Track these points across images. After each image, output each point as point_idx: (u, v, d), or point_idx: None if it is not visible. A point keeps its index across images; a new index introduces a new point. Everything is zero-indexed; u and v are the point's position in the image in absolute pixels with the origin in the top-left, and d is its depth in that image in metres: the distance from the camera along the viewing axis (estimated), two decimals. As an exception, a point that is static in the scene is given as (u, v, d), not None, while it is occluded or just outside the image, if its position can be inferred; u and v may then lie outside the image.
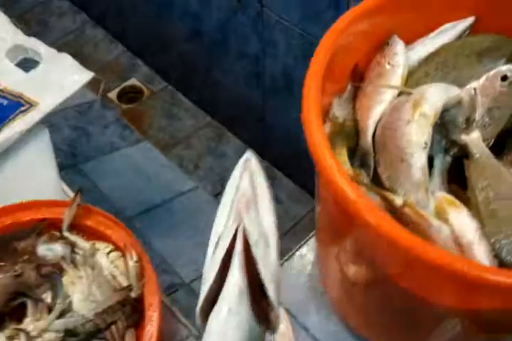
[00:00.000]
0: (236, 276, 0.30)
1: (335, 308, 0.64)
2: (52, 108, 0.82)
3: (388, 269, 0.43)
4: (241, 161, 0.33)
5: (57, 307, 0.58)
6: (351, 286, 0.54)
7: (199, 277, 0.56)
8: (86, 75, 0.86)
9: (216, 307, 0.31)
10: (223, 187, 0.32)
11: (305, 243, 0.70)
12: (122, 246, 0.66)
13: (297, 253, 0.70)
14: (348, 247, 0.48)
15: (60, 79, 0.85)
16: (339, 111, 0.55)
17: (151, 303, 0.62)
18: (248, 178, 0.32)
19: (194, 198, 1.32)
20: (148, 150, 1.44)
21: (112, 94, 1.69)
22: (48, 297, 0.61)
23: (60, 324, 0.57)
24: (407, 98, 0.51)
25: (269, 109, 1.37)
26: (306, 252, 0.70)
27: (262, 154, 1.52)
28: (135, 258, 0.64)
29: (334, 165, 0.39)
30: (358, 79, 0.57)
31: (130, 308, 0.61)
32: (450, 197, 0.47)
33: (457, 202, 0.46)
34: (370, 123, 0.53)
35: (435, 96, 0.49)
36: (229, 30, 1.27)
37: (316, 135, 0.41)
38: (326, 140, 0.41)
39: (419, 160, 0.47)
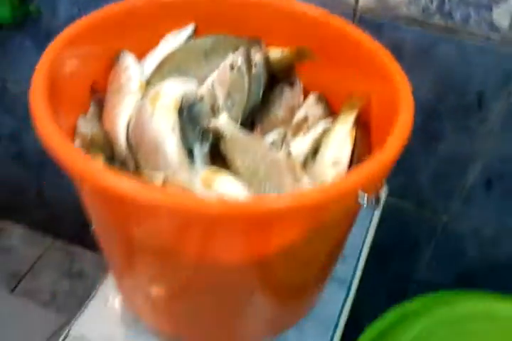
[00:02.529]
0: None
1: (150, 324, 0.61)
2: None
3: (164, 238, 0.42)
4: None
5: None
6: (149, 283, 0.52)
7: None
8: None
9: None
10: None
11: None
12: None
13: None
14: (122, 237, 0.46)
15: None
16: (85, 128, 0.54)
17: None
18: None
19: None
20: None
21: None
22: None
23: None
24: (147, 98, 0.51)
25: (41, 182, 1.29)
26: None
27: (53, 233, 1.42)
28: None
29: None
30: (98, 96, 0.56)
31: None
32: (215, 168, 0.47)
33: (222, 169, 0.47)
34: (119, 130, 0.52)
35: (170, 87, 0.50)
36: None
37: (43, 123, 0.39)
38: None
39: (171, 143, 0.47)
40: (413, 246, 0.92)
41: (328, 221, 0.43)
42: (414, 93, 0.46)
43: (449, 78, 0.65)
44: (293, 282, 0.55)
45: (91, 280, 1.33)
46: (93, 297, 0.65)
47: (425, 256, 0.93)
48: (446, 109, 0.68)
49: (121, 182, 0.36)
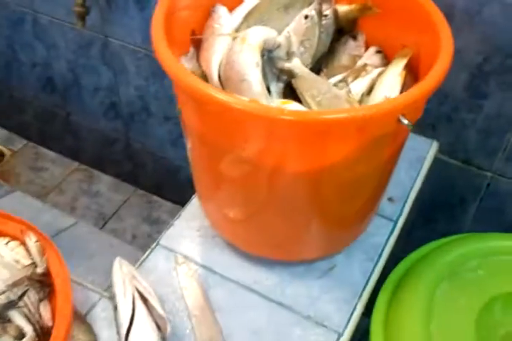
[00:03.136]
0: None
1: (226, 238, 0.73)
2: None
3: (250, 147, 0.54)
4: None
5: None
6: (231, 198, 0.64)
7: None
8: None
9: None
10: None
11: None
12: (19, 235, 0.70)
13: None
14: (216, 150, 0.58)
15: None
16: (187, 64, 0.67)
17: (57, 274, 0.66)
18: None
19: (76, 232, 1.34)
20: (22, 197, 1.45)
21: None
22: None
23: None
24: (236, 41, 0.64)
25: (132, 135, 1.45)
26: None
27: (136, 183, 1.59)
28: (34, 238, 0.69)
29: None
30: (196, 40, 0.69)
31: (39, 282, 0.65)
32: (286, 100, 0.59)
33: (292, 101, 0.59)
34: (213, 67, 0.65)
35: (256, 31, 0.63)
36: (79, 68, 1.36)
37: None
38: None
39: (255, 75, 0.59)
40: (459, 202, 1.00)
41: (375, 139, 0.54)
42: (462, 53, 0.54)
43: (496, 38, 0.74)
44: (343, 204, 0.66)
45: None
46: (179, 216, 0.79)
47: (470, 212, 1.01)
48: (492, 68, 0.77)
49: (227, 97, 0.49)
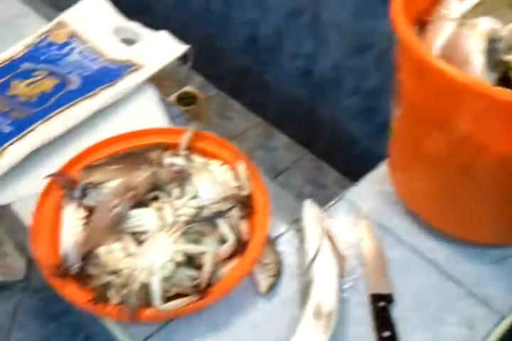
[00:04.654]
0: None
1: (410, 207, 0.80)
2: (156, 69, 1.01)
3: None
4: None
5: (191, 192, 0.75)
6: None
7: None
8: (181, 47, 1.05)
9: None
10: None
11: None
12: (232, 160, 0.82)
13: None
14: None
15: (159, 49, 1.05)
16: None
17: (259, 199, 0.77)
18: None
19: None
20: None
21: (171, 98, 1.89)
22: (176, 192, 0.77)
23: (195, 202, 0.74)
24: (465, 26, 0.69)
25: (317, 104, 1.55)
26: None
27: (309, 147, 1.70)
28: (244, 165, 0.80)
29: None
30: (421, 21, 0.75)
31: (243, 203, 0.77)
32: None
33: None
34: (435, 48, 0.71)
35: (486, 22, 0.67)
36: (285, 33, 1.47)
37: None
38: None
39: (479, 60, 0.64)
40: None
41: None
42: None
43: None
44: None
45: (330, 193, 1.58)
46: (365, 178, 0.86)
47: None
48: None
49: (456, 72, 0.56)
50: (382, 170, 0.86)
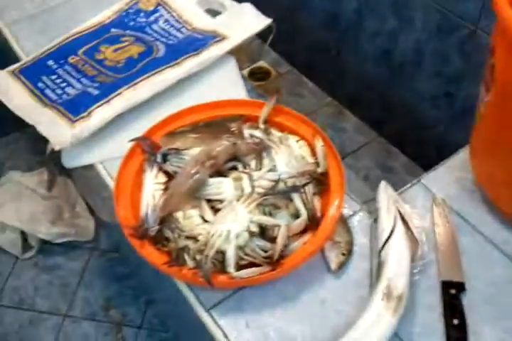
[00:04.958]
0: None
1: (490, 197, 0.78)
2: (240, 41, 1.02)
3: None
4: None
5: (268, 165, 0.76)
6: None
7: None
8: (265, 20, 1.05)
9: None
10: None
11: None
12: (309, 137, 0.82)
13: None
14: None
15: (243, 21, 1.05)
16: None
17: (334, 178, 0.77)
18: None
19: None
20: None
21: (243, 73, 1.89)
22: (253, 164, 0.78)
23: (271, 175, 0.74)
24: None
25: (393, 86, 1.52)
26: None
27: (380, 130, 1.67)
28: (322, 142, 0.80)
29: None
30: None
31: (317, 180, 0.77)
32: None
33: None
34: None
35: None
36: (366, 10, 1.44)
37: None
38: None
39: None
40: None
41: None
42: None
43: None
44: None
45: (397, 178, 1.56)
46: (443, 163, 0.84)
47: None
48: None
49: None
50: (460, 156, 0.85)
